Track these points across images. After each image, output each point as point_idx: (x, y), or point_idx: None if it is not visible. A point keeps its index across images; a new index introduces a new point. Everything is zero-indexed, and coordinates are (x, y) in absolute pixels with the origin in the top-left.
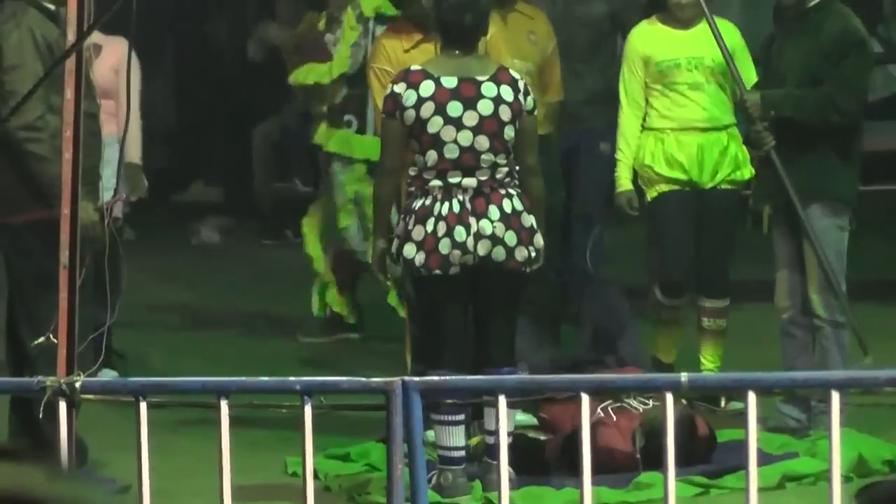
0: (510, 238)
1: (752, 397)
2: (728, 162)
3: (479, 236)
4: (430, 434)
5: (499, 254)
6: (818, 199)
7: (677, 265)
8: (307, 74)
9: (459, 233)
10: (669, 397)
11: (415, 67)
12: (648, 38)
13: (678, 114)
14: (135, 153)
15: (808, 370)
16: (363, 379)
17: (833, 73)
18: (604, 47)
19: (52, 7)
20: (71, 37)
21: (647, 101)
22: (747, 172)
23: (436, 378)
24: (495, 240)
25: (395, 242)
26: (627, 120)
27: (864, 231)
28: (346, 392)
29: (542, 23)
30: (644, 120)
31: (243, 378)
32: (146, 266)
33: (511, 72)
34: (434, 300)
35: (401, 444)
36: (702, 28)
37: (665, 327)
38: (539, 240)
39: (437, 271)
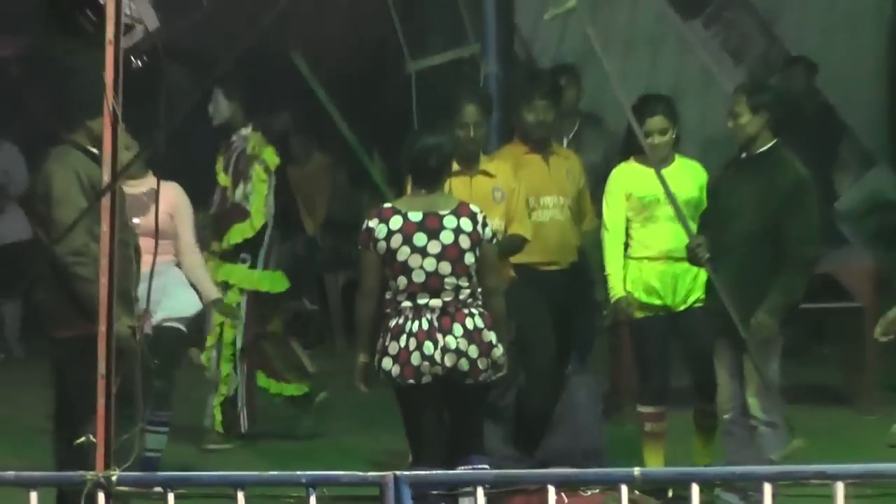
0: (473, 351)
1: (695, 488)
2: (698, 286)
3: (445, 350)
4: None
5: (463, 365)
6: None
7: (656, 379)
8: (234, 236)
9: (428, 347)
10: (624, 489)
11: (386, 205)
12: (629, 176)
13: (656, 244)
14: (211, 290)
15: (746, 464)
16: (360, 473)
17: (795, 224)
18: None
19: (95, 151)
20: (106, 177)
21: (627, 232)
22: None
23: (423, 472)
24: (460, 353)
25: (376, 357)
26: (611, 243)
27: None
28: (345, 484)
29: (575, 162)
30: (626, 249)
31: (256, 472)
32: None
33: (471, 206)
34: (411, 406)
35: None
36: (675, 167)
37: (652, 441)
38: (497, 352)
39: (411, 381)
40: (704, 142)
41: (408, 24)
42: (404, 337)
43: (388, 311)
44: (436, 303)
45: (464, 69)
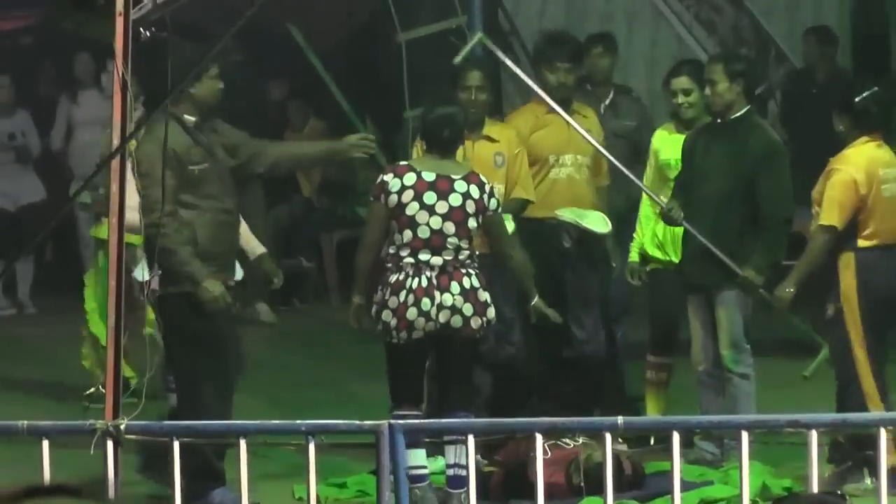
0: (467, 309)
1: (676, 436)
2: None
3: (441, 307)
4: None
5: (457, 322)
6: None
7: (661, 330)
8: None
9: (425, 303)
10: (608, 436)
11: (403, 163)
12: (660, 139)
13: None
14: (257, 246)
15: (720, 413)
16: (357, 422)
17: (769, 186)
18: (632, 157)
19: (192, 119)
20: (116, 141)
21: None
22: None
23: (416, 421)
24: (454, 310)
25: (374, 308)
26: (644, 206)
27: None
28: (343, 432)
29: (594, 120)
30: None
31: (258, 421)
32: None
33: (481, 176)
34: (398, 359)
35: (388, 475)
36: None
37: (653, 388)
38: (491, 312)
39: (404, 334)
40: None
41: None
42: (404, 293)
43: (389, 265)
44: (436, 260)
45: (451, 40)
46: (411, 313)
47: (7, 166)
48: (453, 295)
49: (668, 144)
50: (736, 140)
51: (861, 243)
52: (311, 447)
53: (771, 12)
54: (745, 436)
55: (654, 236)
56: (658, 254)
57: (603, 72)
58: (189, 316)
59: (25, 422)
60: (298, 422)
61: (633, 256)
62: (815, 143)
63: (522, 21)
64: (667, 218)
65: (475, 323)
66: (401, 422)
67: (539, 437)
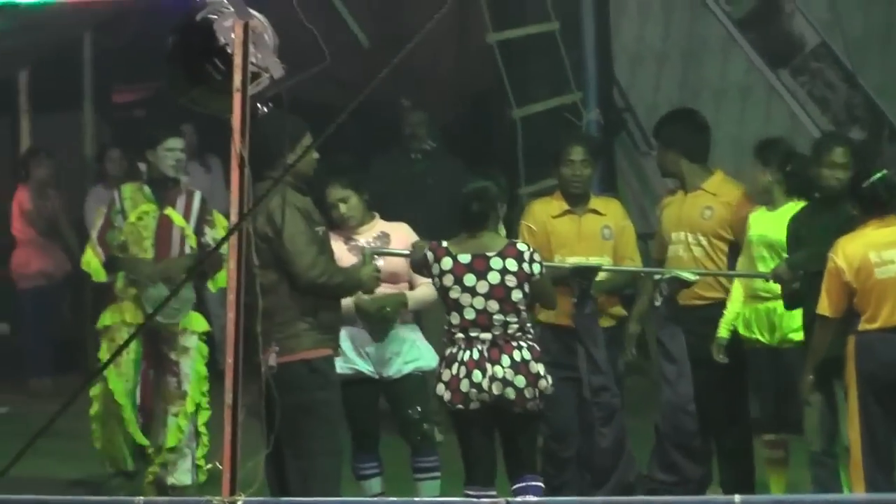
0: (520, 381)
1: None
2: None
3: (493, 379)
4: None
5: (509, 393)
6: None
7: (769, 407)
8: (222, 280)
9: (477, 375)
10: None
11: (443, 244)
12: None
13: (750, 282)
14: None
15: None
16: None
17: None
18: None
19: (304, 187)
20: (233, 218)
21: None
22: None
23: (533, 499)
24: (506, 382)
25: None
26: (735, 287)
27: None
28: None
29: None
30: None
31: (377, 498)
32: None
33: (518, 245)
34: (462, 429)
35: None
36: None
37: (772, 466)
38: (543, 383)
39: (460, 406)
40: None
41: (513, 73)
42: (456, 365)
43: (445, 340)
44: (486, 336)
45: (566, 115)
46: (464, 385)
47: None
48: (504, 367)
49: (755, 223)
50: (834, 212)
51: (862, 326)
52: None
53: (884, 89)
54: None
55: (744, 317)
56: (747, 333)
57: None
58: (308, 384)
59: (142, 498)
60: (416, 500)
61: (723, 332)
62: None
63: (637, 97)
64: (779, 278)
65: (528, 394)
66: (519, 499)
67: None
